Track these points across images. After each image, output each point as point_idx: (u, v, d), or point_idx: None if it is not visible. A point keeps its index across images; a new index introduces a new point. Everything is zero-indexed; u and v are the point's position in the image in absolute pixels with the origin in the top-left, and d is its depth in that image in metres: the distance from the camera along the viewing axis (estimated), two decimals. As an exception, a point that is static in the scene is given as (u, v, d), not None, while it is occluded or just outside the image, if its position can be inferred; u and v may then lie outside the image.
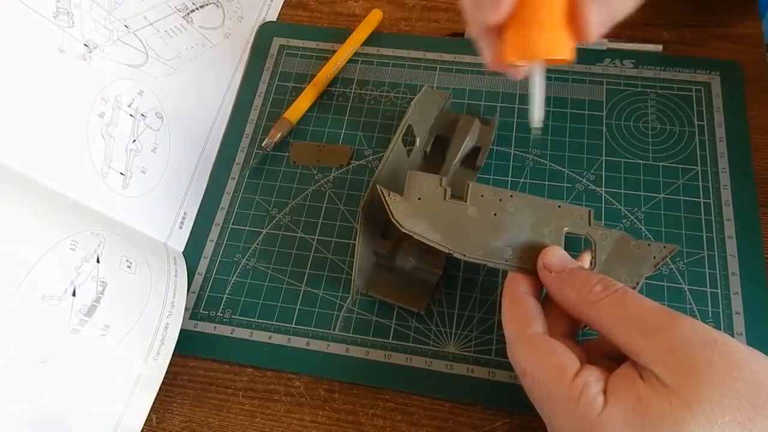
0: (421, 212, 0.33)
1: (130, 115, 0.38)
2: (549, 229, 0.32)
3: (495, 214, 0.33)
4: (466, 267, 0.39)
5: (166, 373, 0.36)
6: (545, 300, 0.32)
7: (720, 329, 0.35)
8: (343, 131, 0.45)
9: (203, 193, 0.43)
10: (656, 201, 0.40)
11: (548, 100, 0.44)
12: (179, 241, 0.41)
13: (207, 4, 0.45)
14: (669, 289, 0.37)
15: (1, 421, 0.28)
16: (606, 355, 0.29)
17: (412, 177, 0.33)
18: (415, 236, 0.32)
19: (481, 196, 0.33)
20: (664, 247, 0.32)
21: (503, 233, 0.32)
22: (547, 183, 0.41)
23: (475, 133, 0.41)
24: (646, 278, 0.32)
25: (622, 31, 0.47)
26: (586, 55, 0.46)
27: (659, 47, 0.46)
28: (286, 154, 0.44)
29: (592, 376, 0.26)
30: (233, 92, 0.47)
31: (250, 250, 0.41)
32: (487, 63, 0.31)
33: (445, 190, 0.33)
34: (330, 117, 0.46)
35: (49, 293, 0.30)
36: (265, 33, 0.50)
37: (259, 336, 0.38)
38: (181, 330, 0.37)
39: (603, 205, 0.40)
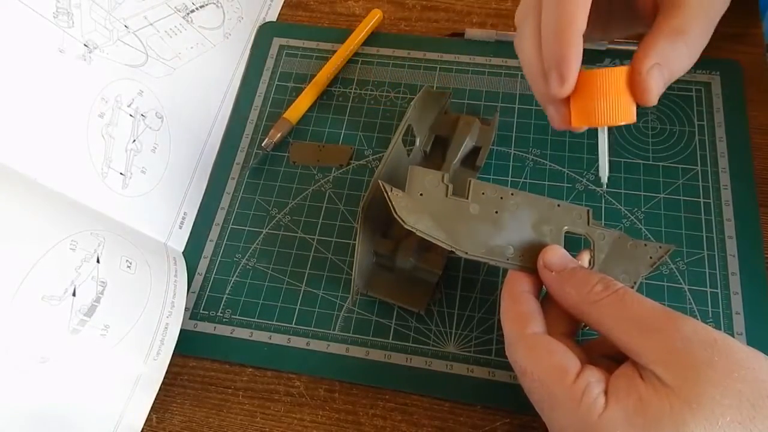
0: (423, 208, 0.33)
1: (130, 115, 0.38)
2: (549, 227, 0.32)
3: (496, 212, 0.33)
4: (466, 267, 0.39)
5: (166, 373, 0.36)
6: (545, 299, 0.32)
7: (720, 329, 0.35)
8: (343, 131, 0.45)
9: (203, 193, 0.43)
10: (656, 201, 0.40)
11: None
12: (179, 241, 0.41)
13: (207, 5, 0.45)
14: (669, 289, 0.37)
15: (1, 421, 0.28)
16: (606, 355, 0.29)
17: (413, 172, 0.33)
18: (418, 233, 0.32)
19: (483, 193, 0.33)
20: (660, 247, 0.32)
21: (504, 231, 0.32)
22: (547, 183, 0.41)
23: (475, 133, 0.41)
24: (646, 278, 0.32)
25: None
26: (586, 55, 0.45)
27: (659, 47, 0.46)
28: (286, 154, 0.44)
29: (594, 377, 0.26)
30: (233, 92, 0.47)
31: (250, 250, 0.41)
32: (552, 125, 0.32)
33: (447, 186, 0.33)
34: (330, 117, 0.46)
35: (49, 293, 0.30)
36: (265, 33, 0.50)
37: (259, 336, 0.38)
38: (181, 330, 0.37)
39: (603, 205, 0.40)
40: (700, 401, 0.23)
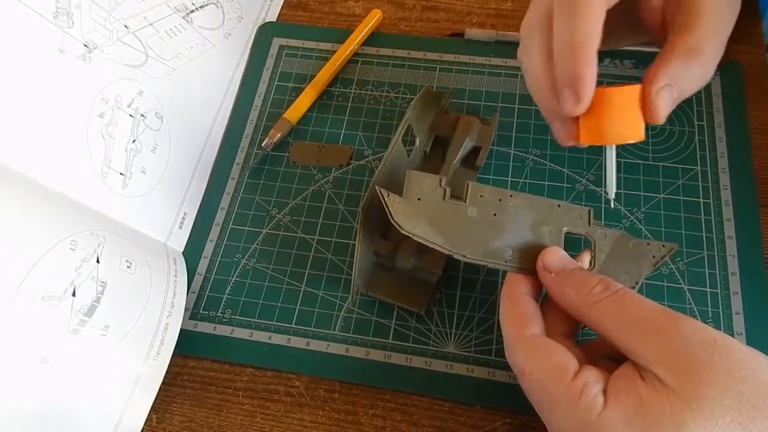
0: (420, 213, 0.33)
1: (130, 116, 0.38)
2: (549, 228, 0.32)
3: (495, 215, 0.33)
4: (466, 267, 0.39)
5: (166, 373, 0.36)
6: (544, 300, 0.32)
7: (720, 329, 0.35)
8: (343, 131, 0.45)
9: (203, 193, 0.43)
10: (656, 201, 0.40)
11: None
12: (179, 241, 0.41)
13: (207, 5, 0.45)
14: (669, 289, 0.37)
15: (1, 421, 0.28)
16: (605, 356, 0.29)
17: (411, 176, 0.33)
18: (415, 238, 0.32)
19: (481, 196, 0.33)
20: (663, 245, 0.32)
21: (503, 233, 0.32)
22: (547, 183, 0.41)
23: (475, 133, 0.41)
24: (646, 278, 0.32)
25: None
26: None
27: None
28: (286, 154, 0.44)
29: (592, 377, 0.26)
30: (233, 92, 0.47)
31: (250, 250, 0.41)
32: (558, 141, 0.32)
33: (445, 190, 0.33)
34: (330, 117, 0.46)
35: (49, 293, 0.30)
36: (265, 33, 0.50)
37: (259, 336, 0.38)
38: (181, 330, 0.37)
39: (603, 205, 0.40)
40: (701, 402, 0.23)
